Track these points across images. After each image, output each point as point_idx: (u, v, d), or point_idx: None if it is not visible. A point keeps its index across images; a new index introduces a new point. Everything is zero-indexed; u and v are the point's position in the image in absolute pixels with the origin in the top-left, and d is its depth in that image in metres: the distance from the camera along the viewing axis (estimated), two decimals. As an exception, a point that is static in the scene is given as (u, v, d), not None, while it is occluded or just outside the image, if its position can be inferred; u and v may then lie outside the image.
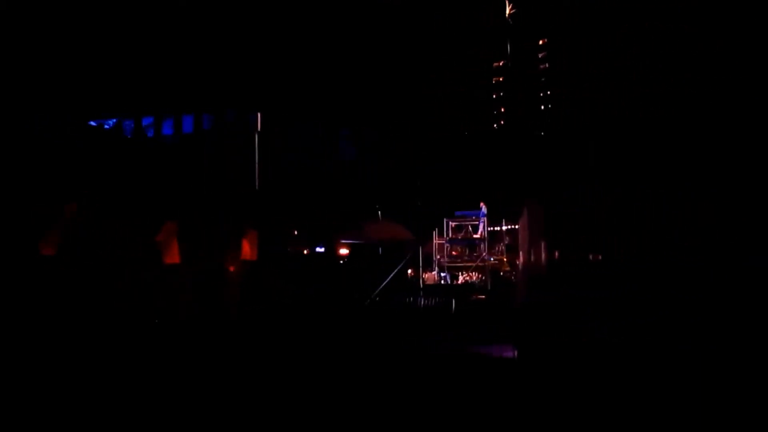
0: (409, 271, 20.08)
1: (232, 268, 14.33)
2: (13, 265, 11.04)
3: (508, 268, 23.39)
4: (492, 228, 23.27)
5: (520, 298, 10.89)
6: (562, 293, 10.16)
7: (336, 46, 18.75)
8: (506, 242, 23.82)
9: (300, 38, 19.20)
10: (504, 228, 25.21)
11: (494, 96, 20.95)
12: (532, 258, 9.84)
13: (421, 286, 15.95)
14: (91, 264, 12.57)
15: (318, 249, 17.54)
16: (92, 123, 18.91)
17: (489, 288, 21.20)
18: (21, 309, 10.54)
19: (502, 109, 21.38)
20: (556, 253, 13.12)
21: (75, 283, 11.65)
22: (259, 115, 18.00)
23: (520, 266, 11.00)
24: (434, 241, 22.89)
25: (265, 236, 16.77)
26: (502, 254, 23.14)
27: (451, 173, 22.64)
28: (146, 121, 19.55)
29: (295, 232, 17.05)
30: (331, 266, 15.14)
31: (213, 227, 15.78)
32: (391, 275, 14.00)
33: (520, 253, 10.60)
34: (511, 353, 10.45)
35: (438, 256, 22.72)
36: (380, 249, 18.43)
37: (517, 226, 30.32)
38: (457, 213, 23.50)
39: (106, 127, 19.28)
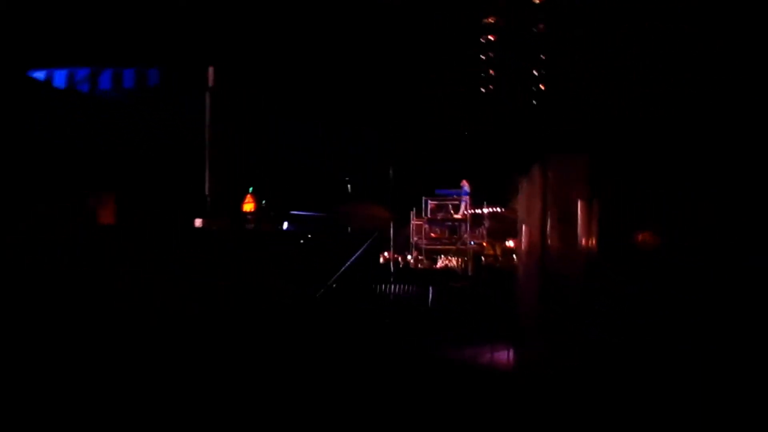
0: (386, 254, 17.92)
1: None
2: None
3: (492, 253, 21.51)
4: (472, 210, 21.42)
5: (525, 294, 8.73)
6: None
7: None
8: (487, 226, 22.29)
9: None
10: (486, 211, 23.58)
11: (483, 58, 18.78)
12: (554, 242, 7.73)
13: (392, 271, 13.74)
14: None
15: (284, 226, 15.07)
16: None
17: (471, 274, 19.36)
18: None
19: (491, 72, 19.23)
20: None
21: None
22: (211, 69, 15.50)
23: (522, 252, 8.88)
24: (411, 222, 20.94)
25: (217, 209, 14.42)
26: (482, 238, 21.48)
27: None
28: (80, 74, 16.92)
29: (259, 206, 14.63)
30: (286, 247, 12.76)
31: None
32: (352, 259, 11.68)
33: (523, 233, 8.56)
34: (505, 356, 8.39)
35: (415, 238, 20.74)
36: (349, 228, 16.13)
37: (499, 209, 28.67)
38: (438, 191, 21.56)
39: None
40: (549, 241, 7.03)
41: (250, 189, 14.99)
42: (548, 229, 7.04)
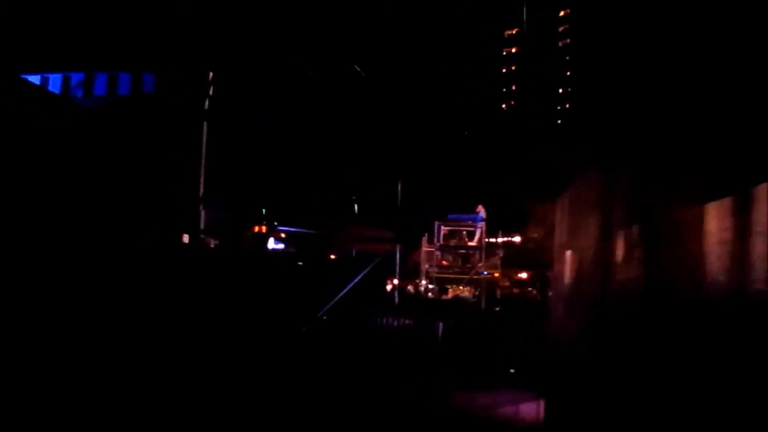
0: (395, 281, 16.53)
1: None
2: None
3: (507, 284, 20.08)
4: (486, 239, 20.07)
5: (565, 333, 7.17)
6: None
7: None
8: (501, 255, 20.89)
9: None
10: (500, 240, 22.23)
11: (504, 71, 17.57)
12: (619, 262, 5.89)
13: (396, 301, 12.19)
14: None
15: (274, 245, 13.72)
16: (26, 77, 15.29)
17: (483, 306, 17.93)
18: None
19: (513, 87, 18.00)
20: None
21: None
22: (210, 75, 14.45)
23: (565, 282, 7.09)
24: (422, 248, 19.58)
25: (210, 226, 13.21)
26: (496, 268, 20.06)
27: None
28: (76, 78, 15.94)
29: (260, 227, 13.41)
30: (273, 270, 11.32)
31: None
32: (348, 286, 10.11)
33: (565, 260, 6.93)
34: (533, 409, 6.86)
35: (426, 266, 19.36)
36: (353, 252, 14.80)
37: (515, 239, 27.17)
38: (451, 216, 20.22)
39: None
40: (621, 267, 5.30)
41: (263, 210, 13.98)
42: (618, 251, 5.35)
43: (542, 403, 6.95)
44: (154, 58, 14.64)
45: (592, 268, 5.79)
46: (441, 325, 10.40)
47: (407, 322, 10.67)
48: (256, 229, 14.15)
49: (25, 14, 15.84)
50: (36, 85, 16.06)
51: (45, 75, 16.20)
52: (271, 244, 13.62)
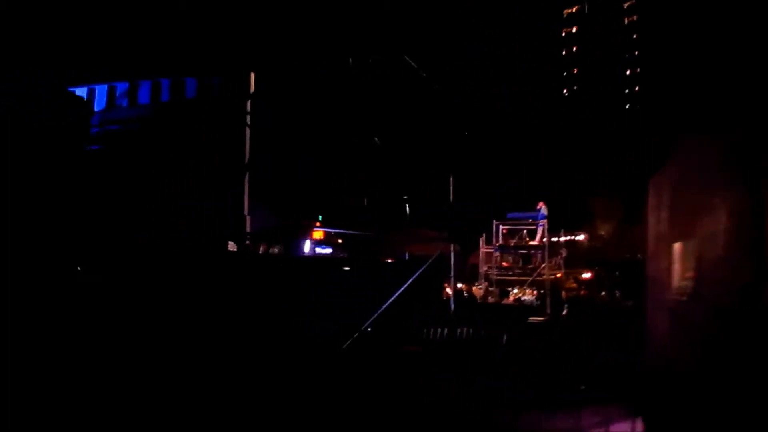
0: (451, 285, 15.53)
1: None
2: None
3: (574, 285, 18.70)
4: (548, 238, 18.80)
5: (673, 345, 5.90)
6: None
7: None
8: (564, 255, 19.53)
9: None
10: (562, 239, 20.85)
11: (564, 53, 16.24)
12: None
13: (452, 308, 11.02)
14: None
15: (319, 249, 12.97)
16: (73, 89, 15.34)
17: (548, 310, 16.65)
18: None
19: (575, 71, 16.64)
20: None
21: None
22: (252, 75, 13.95)
23: (680, 283, 5.66)
24: (480, 249, 18.47)
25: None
26: (559, 268, 18.73)
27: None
28: (121, 88, 15.86)
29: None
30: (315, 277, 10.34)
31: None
32: (396, 294, 9.06)
33: (674, 256, 5.56)
34: (629, 429, 5.75)
35: (485, 267, 18.26)
36: (406, 254, 13.86)
37: (578, 237, 25.55)
38: (510, 215, 19.03)
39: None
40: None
41: (320, 217, 13.43)
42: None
43: (639, 422, 5.84)
44: (194, 62, 14.32)
45: (722, 262, 4.51)
46: (505, 335, 9.21)
47: (466, 332, 9.53)
48: (314, 235, 13.62)
49: (71, 28, 15.90)
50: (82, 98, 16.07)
51: (91, 87, 16.23)
52: (319, 248, 12.91)
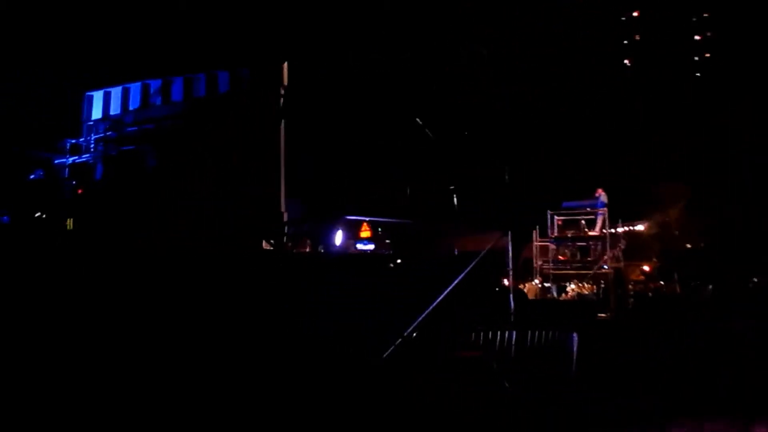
0: (507, 282, 14.38)
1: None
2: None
3: (641, 278, 17.34)
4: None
5: None
6: None
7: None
8: (623, 246, 18.19)
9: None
10: (621, 230, 19.44)
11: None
12: None
13: (512, 306, 9.80)
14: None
15: (362, 245, 12.04)
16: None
17: (611, 305, 15.44)
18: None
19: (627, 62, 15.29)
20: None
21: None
22: (285, 66, 13.18)
23: None
24: (534, 242, 17.29)
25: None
26: (618, 261, 17.38)
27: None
28: (154, 86, 15.43)
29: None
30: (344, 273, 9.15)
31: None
32: (443, 295, 7.92)
33: None
34: None
35: (540, 261, 17.10)
36: (455, 250, 12.82)
37: (638, 227, 23.92)
38: (565, 204, 17.75)
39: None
40: None
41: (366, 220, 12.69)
42: None
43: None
44: (226, 55, 13.72)
45: None
46: (576, 336, 8.03)
47: (530, 333, 8.36)
48: (362, 234, 12.86)
49: (101, 30, 15.62)
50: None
51: (126, 86, 15.90)
52: (360, 245, 12.04)
